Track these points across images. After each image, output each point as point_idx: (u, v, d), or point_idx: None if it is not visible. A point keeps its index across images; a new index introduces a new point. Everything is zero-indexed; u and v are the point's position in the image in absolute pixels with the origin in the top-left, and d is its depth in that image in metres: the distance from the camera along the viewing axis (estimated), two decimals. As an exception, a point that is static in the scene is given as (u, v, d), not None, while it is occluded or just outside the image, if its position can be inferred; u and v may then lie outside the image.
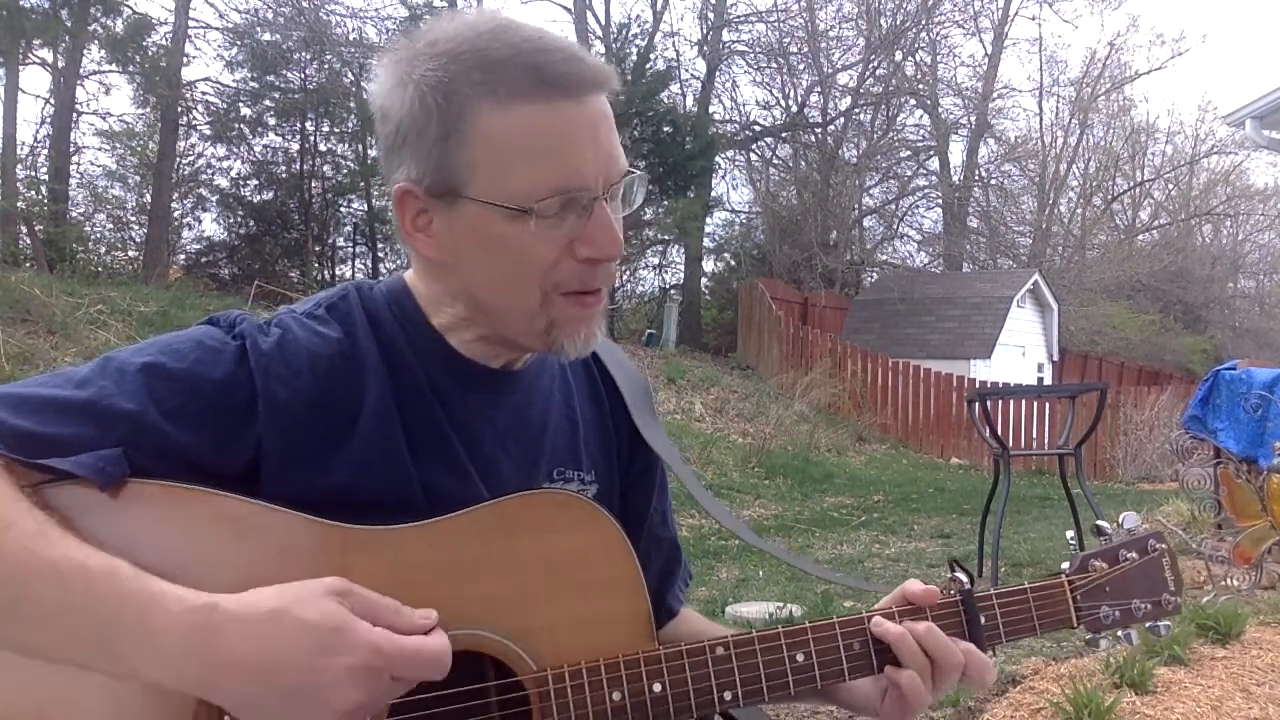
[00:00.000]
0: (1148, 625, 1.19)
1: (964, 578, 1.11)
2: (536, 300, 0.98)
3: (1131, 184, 28.54)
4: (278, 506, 0.92)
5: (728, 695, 1.00)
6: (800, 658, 1.03)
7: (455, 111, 0.94)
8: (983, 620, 1.10)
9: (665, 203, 17.36)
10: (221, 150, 16.18)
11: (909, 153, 23.10)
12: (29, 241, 12.59)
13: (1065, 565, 1.19)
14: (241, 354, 0.97)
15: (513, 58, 0.94)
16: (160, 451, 0.91)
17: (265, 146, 16.39)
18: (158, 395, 0.92)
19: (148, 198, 14.92)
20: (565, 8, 18.56)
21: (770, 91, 22.44)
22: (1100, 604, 1.17)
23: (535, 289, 0.98)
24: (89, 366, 0.94)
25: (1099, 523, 1.21)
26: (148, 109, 14.93)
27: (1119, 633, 1.18)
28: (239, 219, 16.36)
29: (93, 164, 15.86)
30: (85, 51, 13.29)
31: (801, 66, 21.39)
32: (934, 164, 23.80)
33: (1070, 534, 1.21)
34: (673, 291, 19.41)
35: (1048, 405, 13.80)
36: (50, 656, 0.82)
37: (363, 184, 16.10)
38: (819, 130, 21.42)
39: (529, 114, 0.94)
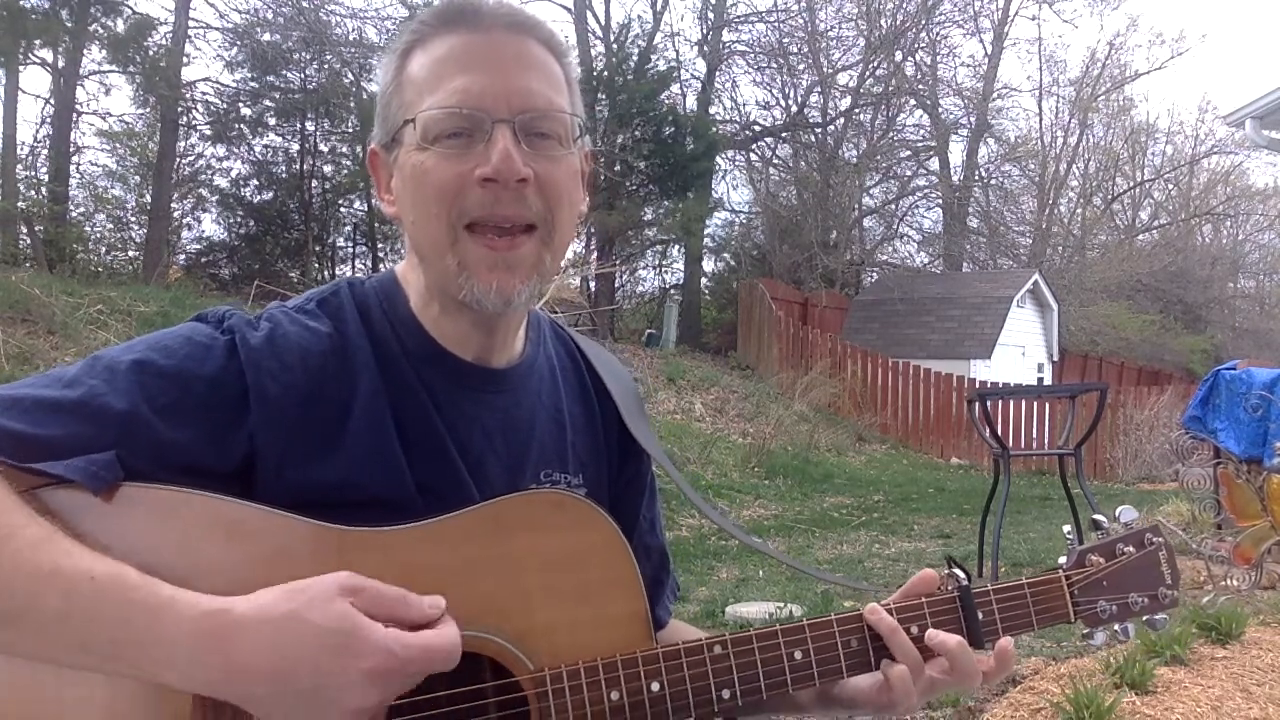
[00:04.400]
0: (1145, 619, 1.19)
1: (961, 574, 1.11)
2: (445, 233, 0.98)
3: (1131, 184, 28.53)
4: (273, 509, 0.91)
5: (726, 694, 1.00)
6: (798, 655, 1.03)
7: (398, 66, 1.03)
8: (980, 616, 1.10)
9: (666, 203, 17.34)
10: (221, 150, 16.16)
11: (909, 153, 23.11)
12: (29, 241, 12.58)
13: (1062, 560, 1.18)
14: (231, 349, 0.96)
15: (438, 9, 1.02)
16: (154, 450, 0.90)
17: (265, 146, 16.38)
18: (149, 392, 0.91)
19: (148, 198, 14.89)
20: (565, 8, 18.55)
21: (770, 91, 22.46)
22: (1098, 599, 1.16)
23: (444, 219, 0.98)
24: (77, 366, 0.94)
25: (1095, 516, 1.20)
26: (148, 109, 14.91)
27: (1116, 627, 1.18)
28: (239, 219, 16.34)
29: (93, 164, 15.80)
30: (85, 52, 13.26)
31: (801, 66, 21.39)
32: (934, 164, 23.82)
33: (1068, 528, 1.21)
34: (673, 291, 19.40)
35: (1048, 405, 13.79)
36: (57, 661, 0.82)
37: (363, 184, 16.07)
38: (819, 130, 21.41)
39: (435, 47, 1.00)
